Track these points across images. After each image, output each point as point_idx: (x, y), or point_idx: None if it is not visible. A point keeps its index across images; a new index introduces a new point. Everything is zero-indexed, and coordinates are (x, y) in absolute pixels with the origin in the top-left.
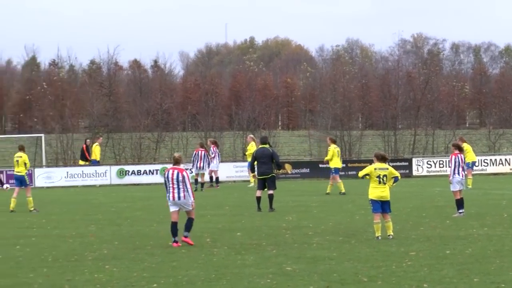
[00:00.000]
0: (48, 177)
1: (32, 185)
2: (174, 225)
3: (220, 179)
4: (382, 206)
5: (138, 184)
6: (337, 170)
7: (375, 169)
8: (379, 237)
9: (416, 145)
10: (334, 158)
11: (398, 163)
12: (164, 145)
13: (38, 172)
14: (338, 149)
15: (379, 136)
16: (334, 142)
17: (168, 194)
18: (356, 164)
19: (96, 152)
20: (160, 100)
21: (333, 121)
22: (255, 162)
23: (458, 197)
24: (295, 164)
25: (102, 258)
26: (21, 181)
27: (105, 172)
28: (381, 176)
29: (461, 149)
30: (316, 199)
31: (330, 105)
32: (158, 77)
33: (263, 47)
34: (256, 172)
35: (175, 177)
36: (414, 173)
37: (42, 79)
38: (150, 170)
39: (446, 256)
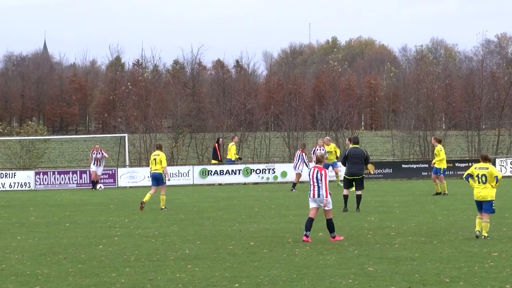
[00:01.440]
0: (131, 176)
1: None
2: (309, 221)
3: (302, 179)
4: (481, 206)
5: (220, 184)
6: (444, 170)
7: (475, 168)
8: (477, 232)
9: (500, 146)
10: (442, 158)
11: None
12: (247, 145)
13: (121, 171)
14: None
15: (463, 136)
16: (439, 142)
17: (309, 192)
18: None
19: (231, 151)
20: (244, 100)
21: (416, 121)
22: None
23: None
24: (378, 165)
25: (184, 257)
26: (157, 180)
27: (188, 172)
28: (480, 176)
29: None
30: (398, 200)
31: (413, 105)
32: (241, 77)
33: (346, 47)
34: (345, 172)
35: (315, 175)
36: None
37: (126, 79)
38: (232, 170)
39: None
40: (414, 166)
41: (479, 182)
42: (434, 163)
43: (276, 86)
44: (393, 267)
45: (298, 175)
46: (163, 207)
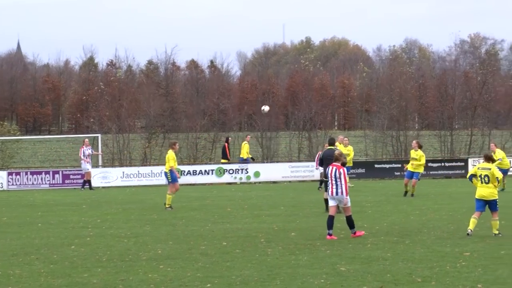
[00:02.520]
0: (104, 177)
1: (174, 182)
2: (330, 219)
3: (275, 179)
4: (487, 205)
5: (193, 184)
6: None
7: (478, 168)
8: (469, 231)
9: (472, 146)
10: (422, 164)
11: (454, 163)
12: (220, 145)
13: (94, 172)
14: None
15: (436, 136)
16: (420, 147)
17: (328, 190)
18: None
19: (244, 149)
20: (217, 100)
21: (389, 121)
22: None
23: None
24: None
25: (157, 258)
26: (166, 178)
27: (161, 172)
28: (482, 176)
29: None
30: (371, 199)
31: (386, 105)
32: (215, 77)
33: (320, 47)
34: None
35: (333, 173)
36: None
37: (100, 79)
38: (205, 170)
39: (501, 257)
40: (387, 166)
41: (482, 182)
42: (407, 168)
43: (249, 86)
44: (365, 267)
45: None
46: (168, 206)
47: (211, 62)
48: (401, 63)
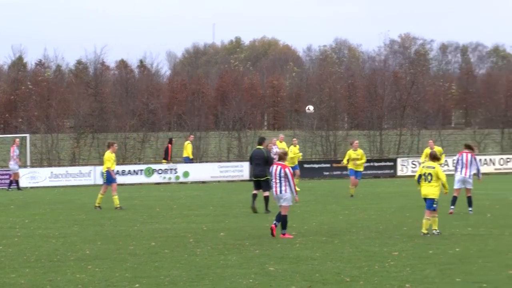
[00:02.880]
0: (32, 177)
1: (109, 183)
2: (281, 216)
3: (204, 179)
4: (427, 203)
5: (122, 184)
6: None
7: (423, 167)
8: (423, 234)
9: (401, 145)
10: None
11: (383, 163)
12: (149, 145)
13: (22, 172)
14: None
15: (365, 136)
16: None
17: (272, 189)
18: (341, 164)
19: (188, 149)
20: (146, 100)
21: (319, 121)
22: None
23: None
24: None
25: (85, 258)
26: (106, 178)
27: (89, 172)
28: (426, 174)
29: (472, 148)
30: (300, 199)
31: (316, 105)
32: (145, 77)
33: (250, 47)
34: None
35: (278, 172)
36: (399, 173)
37: (28, 79)
38: (134, 170)
39: (429, 256)
40: (316, 166)
41: (425, 180)
42: (346, 165)
43: (179, 86)
44: (293, 267)
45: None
46: (116, 206)
47: (141, 61)
48: (330, 63)
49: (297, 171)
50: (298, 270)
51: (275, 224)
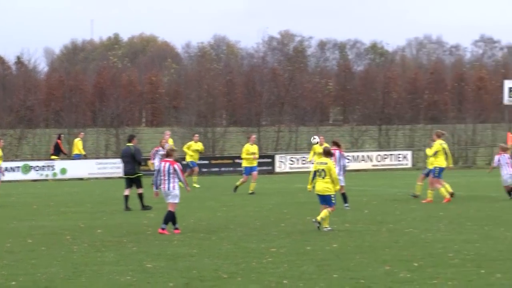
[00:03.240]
0: None
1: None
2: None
3: (82, 175)
4: (323, 199)
5: None
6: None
7: (317, 163)
8: (316, 221)
9: (280, 142)
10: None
11: (261, 160)
12: (27, 142)
13: None
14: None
15: (243, 133)
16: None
17: (160, 186)
18: (220, 161)
19: (78, 146)
20: (24, 96)
21: (197, 117)
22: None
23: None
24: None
25: None
26: None
27: None
28: (320, 170)
29: (339, 145)
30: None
31: (194, 101)
32: (22, 74)
33: (128, 44)
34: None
35: (166, 169)
36: (277, 169)
37: None
38: (11, 167)
39: (306, 252)
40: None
41: (319, 176)
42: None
43: (57, 82)
44: (171, 264)
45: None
46: None
47: (18, 58)
48: (209, 60)
49: (196, 168)
50: (175, 267)
51: (176, 228)
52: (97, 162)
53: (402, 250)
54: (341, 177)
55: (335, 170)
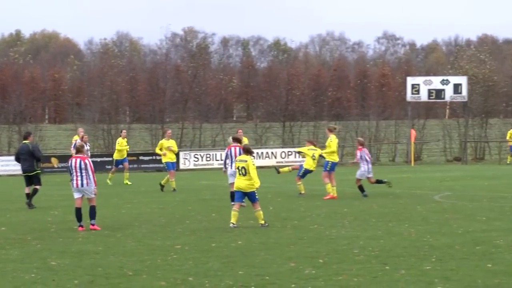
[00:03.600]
0: None
1: None
2: (78, 211)
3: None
4: (245, 196)
5: None
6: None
7: (237, 160)
8: (233, 224)
9: (184, 139)
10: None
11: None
12: None
13: None
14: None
15: (147, 129)
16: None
17: (72, 181)
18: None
19: None
20: None
21: (100, 114)
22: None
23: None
24: (62, 158)
25: None
26: None
27: None
28: (240, 168)
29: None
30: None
31: (97, 98)
32: None
33: (30, 40)
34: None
35: (78, 165)
36: (181, 166)
37: None
38: None
39: (211, 249)
40: (98, 159)
41: (239, 174)
42: (162, 154)
43: None
44: (76, 261)
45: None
46: None
47: None
48: (112, 56)
49: (126, 164)
50: (80, 264)
51: (81, 225)
52: (0, 159)
53: (307, 246)
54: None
55: (254, 168)
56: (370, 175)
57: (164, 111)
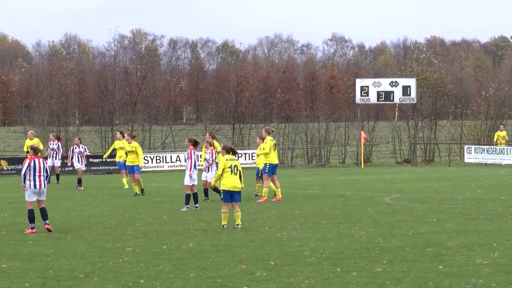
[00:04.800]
0: None
1: None
2: (32, 212)
3: None
4: (233, 196)
5: None
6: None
7: (226, 160)
8: (225, 226)
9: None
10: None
11: (114, 159)
12: None
13: None
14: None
15: (96, 132)
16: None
17: (31, 183)
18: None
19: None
20: None
21: (49, 117)
22: None
23: (188, 191)
24: (11, 160)
25: None
26: None
27: None
28: (233, 167)
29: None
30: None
31: (46, 101)
32: None
33: None
34: None
35: (42, 166)
36: None
37: None
38: None
39: (163, 252)
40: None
41: (231, 173)
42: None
43: None
44: (26, 264)
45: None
46: None
47: None
48: (60, 59)
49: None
50: (31, 267)
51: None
52: None
53: (258, 248)
54: (194, 176)
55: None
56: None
57: (114, 113)
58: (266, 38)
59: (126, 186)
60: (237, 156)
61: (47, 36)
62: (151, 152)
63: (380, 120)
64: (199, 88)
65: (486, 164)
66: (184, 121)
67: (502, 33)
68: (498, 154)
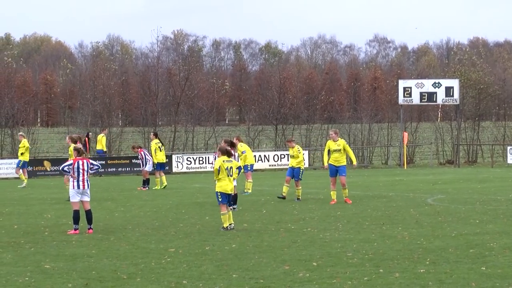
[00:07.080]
0: None
1: None
2: (78, 213)
3: None
4: (229, 198)
5: None
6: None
7: (223, 161)
8: (231, 225)
9: (176, 142)
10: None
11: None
12: None
13: None
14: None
15: (139, 132)
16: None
17: (75, 182)
18: (116, 161)
19: (102, 142)
20: None
21: (93, 118)
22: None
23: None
24: (55, 161)
25: None
26: None
27: None
28: (229, 168)
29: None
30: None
31: (90, 102)
32: None
33: (21, 44)
34: None
35: (85, 167)
36: (174, 169)
37: None
38: None
39: (205, 253)
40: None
41: (227, 175)
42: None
43: None
44: (70, 264)
45: None
46: None
47: None
48: (104, 60)
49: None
50: (74, 268)
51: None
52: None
53: (301, 249)
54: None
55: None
56: None
57: (156, 114)
58: (310, 39)
59: (165, 184)
60: (233, 157)
61: (90, 37)
62: (193, 153)
63: (423, 121)
64: (242, 89)
65: None
66: (227, 122)
67: None
68: None
